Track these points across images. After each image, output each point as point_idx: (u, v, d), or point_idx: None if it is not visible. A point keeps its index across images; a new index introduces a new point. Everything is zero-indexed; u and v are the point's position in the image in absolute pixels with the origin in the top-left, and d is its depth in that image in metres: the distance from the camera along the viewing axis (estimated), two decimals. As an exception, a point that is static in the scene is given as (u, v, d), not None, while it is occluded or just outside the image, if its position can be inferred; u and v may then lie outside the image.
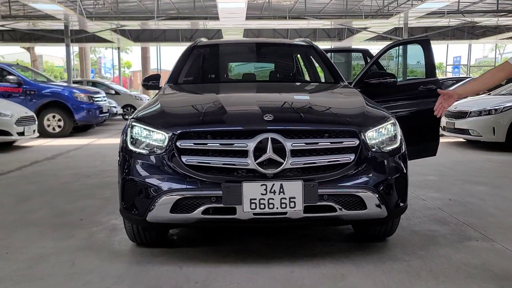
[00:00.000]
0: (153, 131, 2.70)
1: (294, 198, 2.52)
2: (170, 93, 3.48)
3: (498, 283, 2.57)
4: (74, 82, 15.91)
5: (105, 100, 12.18)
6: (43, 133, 10.75)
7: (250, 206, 2.50)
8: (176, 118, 2.75)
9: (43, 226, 3.67)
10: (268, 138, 2.53)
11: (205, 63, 4.37)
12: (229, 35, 18.77)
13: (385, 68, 5.27)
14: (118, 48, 21.79)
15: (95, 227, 3.64)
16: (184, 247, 3.17)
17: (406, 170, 2.86)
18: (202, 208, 2.53)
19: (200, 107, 3.00)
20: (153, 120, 2.78)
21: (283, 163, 2.53)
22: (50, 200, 4.55)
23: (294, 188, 2.52)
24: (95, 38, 18.02)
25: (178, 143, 2.59)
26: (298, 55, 4.64)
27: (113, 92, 16.64)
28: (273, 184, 2.51)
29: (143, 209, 2.62)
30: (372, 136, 2.76)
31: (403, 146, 2.91)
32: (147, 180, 2.62)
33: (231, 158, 2.56)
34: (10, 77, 11.02)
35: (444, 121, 9.12)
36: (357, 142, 2.66)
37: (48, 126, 10.94)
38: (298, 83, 4.10)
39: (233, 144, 2.56)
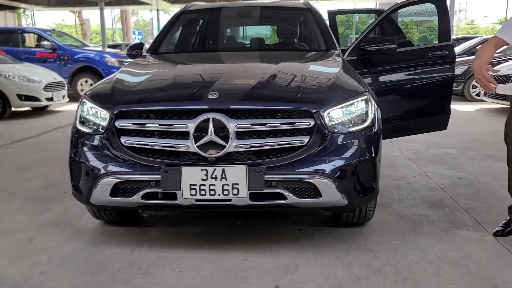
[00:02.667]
0: (98, 110, 2.55)
1: (238, 184, 2.30)
2: (135, 65, 3.28)
3: (468, 284, 2.27)
4: (112, 46, 16.09)
5: (137, 65, 12.20)
6: (78, 98, 11.02)
7: (190, 192, 2.32)
8: (119, 96, 2.57)
9: (26, 198, 3.70)
10: (209, 118, 2.31)
11: (190, 30, 4.12)
12: None
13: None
14: (157, 10, 21.78)
15: (74, 200, 3.61)
16: (149, 227, 3.06)
17: (376, 153, 2.53)
18: (141, 193, 2.39)
19: (150, 82, 2.80)
20: (100, 97, 2.63)
21: (225, 146, 2.31)
22: (48, 170, 4.60)
23: (238, 174, 2.30)
24: (134, 1, 17.98)
25: (117, 123, 2.43)
26: (297, 19, 4.24)
27: (150, 55, 16.68)
28: (215, 169, 2.30)
29: (86, 192, 2.51)
30: (335, 115, 2.45)
31: (375, 126, 2.58)
32: (89, 161, 2.49)
33: (171, 140, 2.37)
34: (45, 42, 11.31)
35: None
36: (312, 122, 2.37)
37: (81, 90, 11.17)
38: (281, 52, 3.75)
39: (173, 124, 2.36)
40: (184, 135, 2.35)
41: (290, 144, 2.36)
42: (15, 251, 2.72)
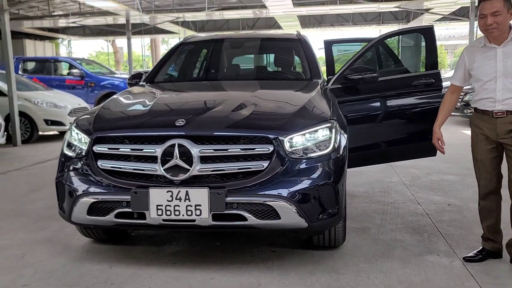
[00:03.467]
0: (82, 136, 2.79)
1: (200, 205, 2.47)
2: (125, 93, 3.54)
3: (420, 307, 2.32)
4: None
5: (160, 91, 12.71)
6: (102, 123, 11.54)
7: (157, 212, 2.50)
8: (99, 123, 2.81)
9: (29, 217, 3.97)
10: (175, 144, 2.50)
11: (187, 61, 4.38)
12: (284, 22, 18.46)
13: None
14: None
15: (72, 220, 3.86)
16: (134, 245, 3.25)
17: (337, 178, 2.65)
18: (114, 212, 2.58)
19: (129, 110, 3.03)
20: (84, 124, 2.87)
21: (189, 169, 2.49)
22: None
23: (200, 196, 2.47)
24: (162, 30, 18.80)
25: (94, 148, 2.66)
26: (286, 50, 4.43)
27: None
28: (179, 191, 2.48)
29: (68, 210, 2.73)
30: (296, 141, 2.60)
31: (338, 152, 2.70)
32: (71, 182, 2.72)
33: (141, 164, 2.57)
34: (74, 70, 11.97)
35: None
36: (271, 148, 2.52)
37: (106, 116, 11.68)
38: (263, 81, 3.94)
39: (143, 149, 2.57)
40: (152, 159, 2.55)
41: (250, 168, 2.51)
42: (6, 265, 2.95)
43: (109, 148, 2.64)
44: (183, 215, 2.49)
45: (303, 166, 2.58)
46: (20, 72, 12.42)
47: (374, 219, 3.72)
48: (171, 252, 3.10)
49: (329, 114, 2.85)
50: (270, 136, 2.53)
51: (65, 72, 12.68)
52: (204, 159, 2.52)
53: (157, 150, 2.52)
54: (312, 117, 2.78)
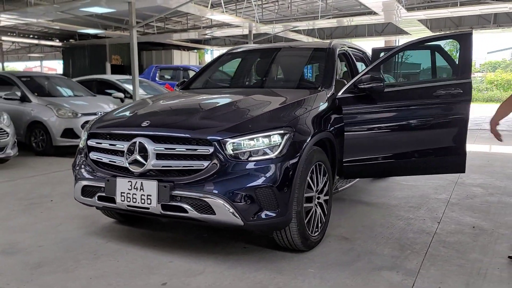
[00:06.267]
0: (85, 132, 3.43)
1: (151, 196, 2.87)
2: (143, 99, 4.10)
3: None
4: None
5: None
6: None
7: (121, 198, 2.98)
8: (96, 122, 3.40)
9: (89, 198, 4.84)
10: (136, 141, 2.94)
11: (226, 69, 4.79)
12: (408, 27, 17.30)
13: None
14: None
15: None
16: (142, 228, 3.78)
17: (279, 182, 2.77)
18: (97, 196, 3.14)
19: (125, 112, 3.55)
20: (90, 123, 3.50)
21: (145, 164, 2.91)
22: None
23: (150, 187, 2.86)
24: (291, 40, 19.53)
25: (88, 141, 3.26)
26: (311, 59, 4.50)
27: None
28: (136, 182, 2.91)
29: (74, 190, 3.39)
30: (240, 144, 2.81)
31: (285, 158, 2.82)
32: (76, 168, 3.38)
33: (114, 156, 3.08)
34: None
35: None
36: (212, 150, 2.78)
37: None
38: (266, 89, 4.08)
39: (116, 144, 3.07)
40: (122, 153, 3.03)
41: (192, 166, 2.82)
42: (43, 229, 3.74)
43: (96, 143, 3.21)
44: (139, 203, 2.92)
45: (243, 167, 2.78)
46: (157, 79, 14.35)
47: (372, 231, 3.63)
48: (162, 237, 3.55)
49: (288, 121, 2.97)
50: (208, 138, 2.80)
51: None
52: (158, 156, 2.91)
53: (125, 146, 3.00)
54: (267, 122, 2.95)
